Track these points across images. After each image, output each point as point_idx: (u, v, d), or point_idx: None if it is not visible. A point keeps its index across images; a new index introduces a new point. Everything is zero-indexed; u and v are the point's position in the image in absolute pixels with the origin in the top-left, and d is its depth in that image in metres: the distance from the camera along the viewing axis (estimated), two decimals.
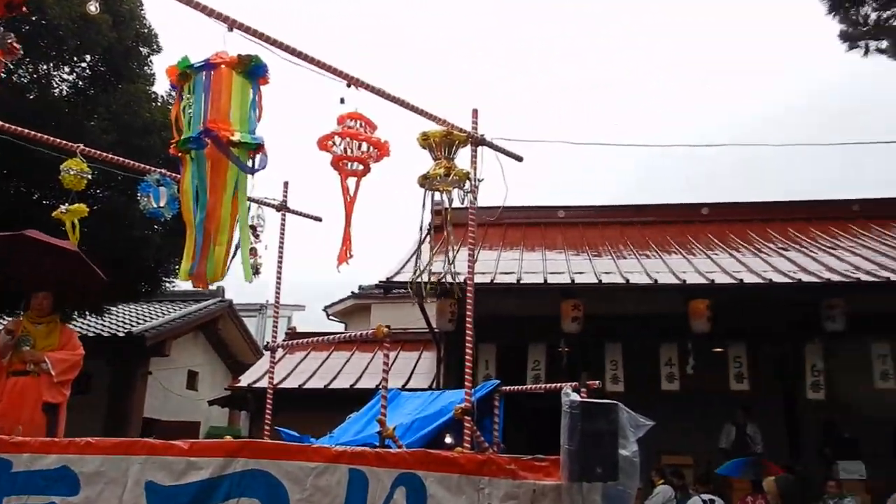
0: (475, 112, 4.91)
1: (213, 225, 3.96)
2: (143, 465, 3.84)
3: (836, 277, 9.69)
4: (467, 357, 4.97)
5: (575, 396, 4.78)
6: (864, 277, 9.63)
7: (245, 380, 14.23)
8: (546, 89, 70.75)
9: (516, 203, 14.32)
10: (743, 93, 63.27)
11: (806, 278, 9.76)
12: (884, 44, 12.32)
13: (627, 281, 9.98)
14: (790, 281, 9.70)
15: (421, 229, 5.09)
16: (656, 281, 9.91)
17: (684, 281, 9.90)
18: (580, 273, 10.48)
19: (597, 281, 10.05)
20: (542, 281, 10.16)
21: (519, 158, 5.18)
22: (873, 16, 12.20)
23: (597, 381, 5.58)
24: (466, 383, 4.90)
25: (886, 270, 9.91)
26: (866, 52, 12.66)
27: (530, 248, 12.80)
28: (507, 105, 71.69)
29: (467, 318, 5.05)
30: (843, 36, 12.65)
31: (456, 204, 5.11)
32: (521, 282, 10.20)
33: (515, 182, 4.83)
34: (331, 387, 13.28)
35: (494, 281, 10.20)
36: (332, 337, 6.85)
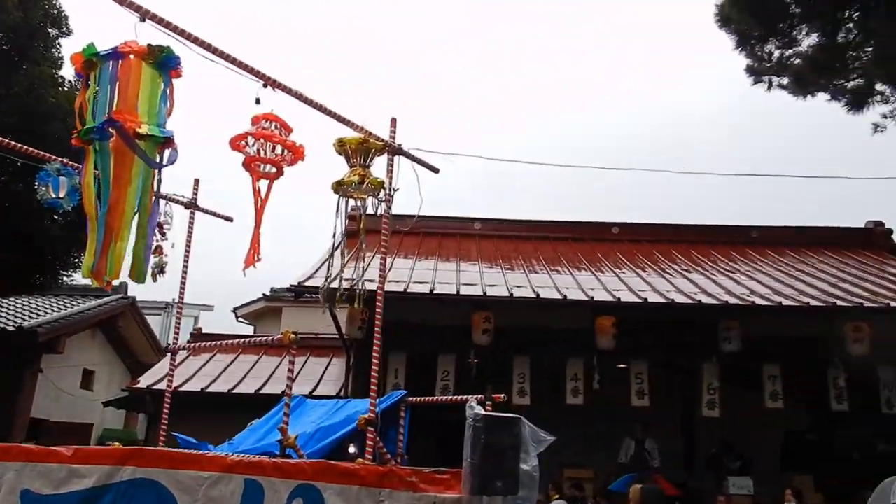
0: (394, 121, 4.90)
1: (115, 221, 3.80)
2: (20, 473, 3.61)
3: (733, 300, 10.13)
4: (373, 366, 4.92)
5: (479, 410, 4.81)
6: (758, 301, 10.12)
7: (144, 381, 13.67)
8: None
9: (435, 212, 14.42)
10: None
11: (706, 300, 10.17)
12: (786, 80, 13.01)
13: (538, 295, 10.15)
14: (691, 302, 10.08)
15: (334, 236, 5.03)
16: (565, 297, 10.11)
17: (592, 297, 10.14)
18: (493, 286, 10.59)
19: (508, 294, 10.18)
20: (455, 292, 10.21)
21: (435, 170, 5.19)
22: (777, 53, 12.86)
23: (502, 395, 5.63)
24: (372, 393, 4.85)
25: (779, 295, 10.44)
26: (770, 87, 13.33)
27: (445, 258, 12.85)
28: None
29: (376, 327, 5.01)
30: (749, 70, 13.27)
31: (371, 211, 5.10)
32: (435, 292, 10.22)
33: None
34: (235, 391, 12.93)
35: (408, 290, 10.18)
36: (237, 341, 6.67)
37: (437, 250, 13.36)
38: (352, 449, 5.63)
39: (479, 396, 5.40)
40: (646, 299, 10.15)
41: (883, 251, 14.18)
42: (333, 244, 5.16)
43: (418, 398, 6.17)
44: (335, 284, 5.63)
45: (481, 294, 10.15)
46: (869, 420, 11.09)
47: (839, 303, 10.04)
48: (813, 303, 10.06)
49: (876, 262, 13.44)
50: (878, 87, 12.67)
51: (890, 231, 14.69)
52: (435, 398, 7.10)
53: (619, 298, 10.13)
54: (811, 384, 11.15)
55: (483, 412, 4.84)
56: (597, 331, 10.16)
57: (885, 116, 13.46)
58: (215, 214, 6.20)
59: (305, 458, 4.86)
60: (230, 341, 6.71)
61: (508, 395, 10.20)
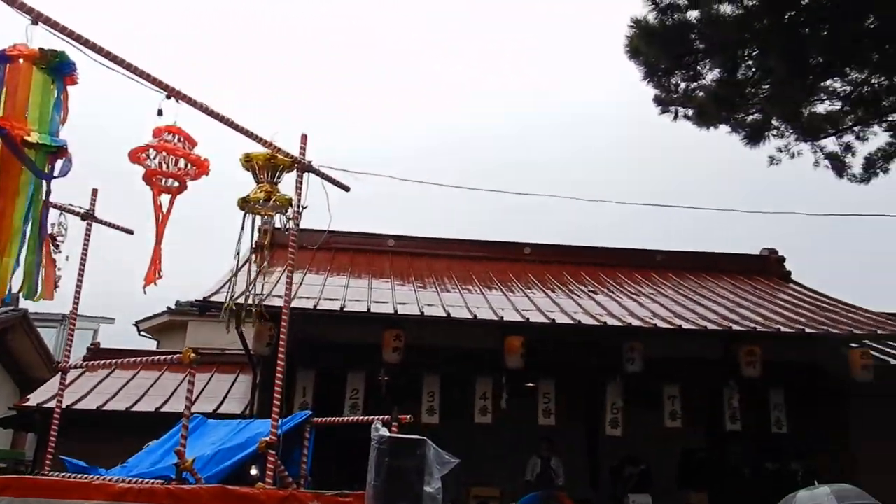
0: (304, 137, 4.83)
1: (1, 234, 3.58)
2: None
3: (636, 322, 10.45)
4: (277, 386, 4.82)
5: (384, 431, 4.78)
6: (660, 324, 10.47)
7: (35, 398, 12.88)
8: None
9: (347, 228, 14.28)
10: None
11: (611, 321, 10.45)
12: (690, 112, 13.60)
13: (449, 314, 10.18)
14: (597, 323, 10.34)
15: (238, 253, 4.91)
16: (476, 316, 10.19)
17: (502, 317, 10.26)
18: (404, 304, 10.56)
19: (419, 312, 10.18)
20: (365, 310, 10.13)
21: (346, 188, 5.15)
22: (682, 85, 13.42)
23: (409, 416, 5.59)
24: (274, 414, 4.74)
25: (680, 318, 10.85)
26: (676, 117, 13.89)
27: (357, 274, 12.74)
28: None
29: (280, 345, 4.91)
30: (657, 100, 13.78)
31: (279, 227, 5.01)
32: (345, 309, 10.11)
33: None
34: (134, 409, 12.36)
35: (318, 307, 10.03)
36: (134, 359, 6.40)
37: (350, 266, 13.24)
38: (253, 471, 5.48)
39: (385, 417, 5.36)
40: (554, 320, 10.34)
41: (776, 278, 14.97)
42: (238, 261, 5.04)
43: (323, 419, 6.07)
44: (240, 301, 5.50)
45: (392, 312, 10.11)
46: (759, 439, 11.64)
47: (735, 327, 10.52)
48: (710, 326, 10.49)
49: (769, 288, 14.17)
50: (775, 122, 13.43)
51: (783, 259, 15.52)
52: (340, 419, 6.99)
53: (528, 319, 10.28)
54: (707, 404, 11.62)
55: (388, 434, 4.81)
56: (506, 350, 10.26)
57: (779, 150, 14.24)
58: (113, 226, 5.94)
59: (203, 481, 4.70)
60: (128, 360, 6.41)
61: (417, 414, 10.22)
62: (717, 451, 12.49)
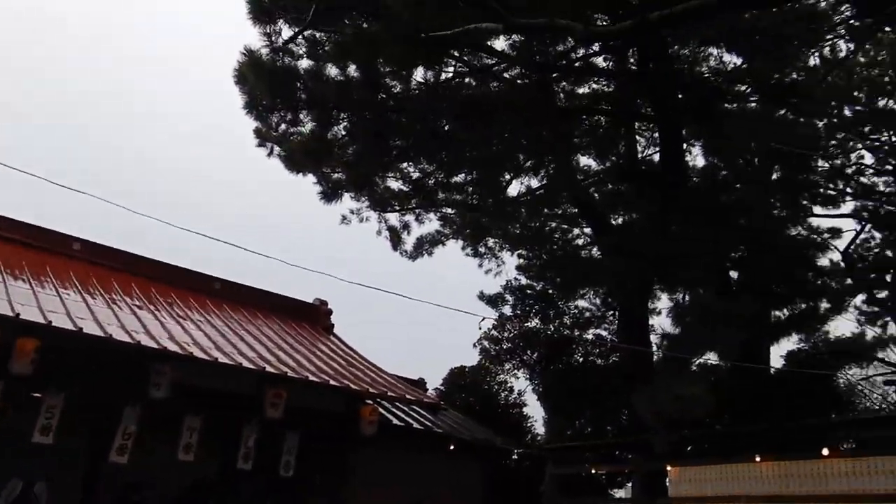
0: None
1: None
2: None
3: (172, 346, 9.97)
4: None
5: None
6: (197, 353, 10.14)
7: None
8: None
9: None
10: None
11: (146, 341, 9.81)
12: (284, 153, 14.00)
13: None
14: (129, 340, 9.60)
15: None
16: None
17: (18, 314, 8.91)
18: None
19: None
20: None
21: None
22: (282, 126, 13.80)
23: None
24: None
25: (219, 351, 10.72)
26: (271, 153, 14.19)
27: None
28: None
29: None
30: (257, 133, 13.96)
31: None
32: None
33: None
34: None
35: None
36: None
37: None
38: None
39: None
40: (81, 328, 9.33)
41: (320, 328, 15.90)
42: None
43: None
44: None
45: None
46: (270, 477, 11.98)
47: (268, 368, 10.75)
48: (246, 364, 10.54)
49: (312, 336, 14.96)
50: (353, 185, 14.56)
51: (331, 311, 16.58)
52: None
53: (50, 321, 9.11)
54: (227, 439, 11.60)
55: None
56: (15, 352, 8.93)
57: (352, 212, 15.52)
58: None
59: None
60: None
61: None
62: (228, 485, 12.48)
